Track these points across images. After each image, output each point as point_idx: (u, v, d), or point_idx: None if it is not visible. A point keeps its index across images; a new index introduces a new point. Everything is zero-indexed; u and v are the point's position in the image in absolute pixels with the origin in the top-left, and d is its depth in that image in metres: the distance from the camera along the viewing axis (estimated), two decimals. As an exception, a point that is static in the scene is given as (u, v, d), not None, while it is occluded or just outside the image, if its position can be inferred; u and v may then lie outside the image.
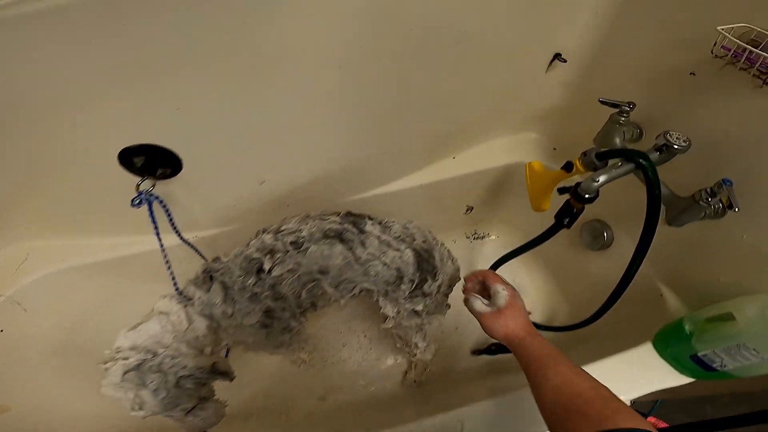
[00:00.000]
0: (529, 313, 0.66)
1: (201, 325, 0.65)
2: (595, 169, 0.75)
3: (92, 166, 0.75)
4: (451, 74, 0.83)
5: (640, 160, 0.67)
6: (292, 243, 0.68)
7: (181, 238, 0.79)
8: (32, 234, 0.95)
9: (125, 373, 0.55)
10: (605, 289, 1.06)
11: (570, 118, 1.05)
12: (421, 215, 1.20)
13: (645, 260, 0.93)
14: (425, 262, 0.76)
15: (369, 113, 0.84)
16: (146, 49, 0.57)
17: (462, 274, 1.03)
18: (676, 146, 0.69)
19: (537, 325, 1.14)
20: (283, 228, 0.71)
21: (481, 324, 0.64)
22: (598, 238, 1.03)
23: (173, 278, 0.73)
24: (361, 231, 0.72)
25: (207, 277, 0.68)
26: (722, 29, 0.62)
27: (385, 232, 0.73)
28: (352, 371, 1.13)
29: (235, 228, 0.98)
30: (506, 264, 1.03)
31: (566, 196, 0.74)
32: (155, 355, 0.58)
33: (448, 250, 0.85)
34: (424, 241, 0.78)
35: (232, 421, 1.04)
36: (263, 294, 0.68)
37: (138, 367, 0.56)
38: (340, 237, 0.70)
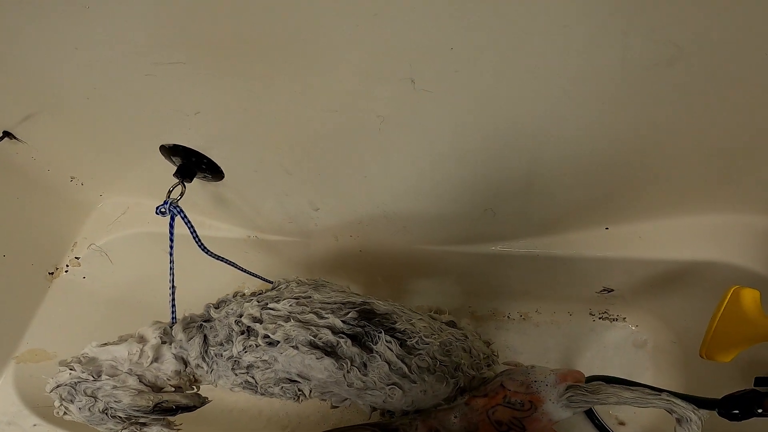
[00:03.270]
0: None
1: (170, 366, 0.56)
2: None
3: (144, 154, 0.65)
4: (647, 102, 0.46)
5: None
6: (265, 337, 0.50)
7: (208, 252, 0.66)
8: (137, 191, 0.95)
9: (57, 386, 0.54)
10: None
11: None
12: (535, 285, 0.88)
13: None
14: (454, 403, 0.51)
15: (474, 149, 0.54)
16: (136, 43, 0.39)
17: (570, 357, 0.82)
18: None
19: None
20: (270, 306, 0.53)
21: None
22: None
23: (173, 306, 0.62)
24: (367, 349, 0.49)
25: (198, 325, 0.57)
26: None
27: (408, 358, 0.50)
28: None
29: (300, 241, 0.82)
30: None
31: None
32: (96, 379, 0.54)
33: None
34: (471, 378, 0.54)
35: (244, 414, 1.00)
36: (239, 370, 0.54)
37: (75, 385, 0.54)
38: (330, 351, 0.49)
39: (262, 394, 0.58)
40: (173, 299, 0.61)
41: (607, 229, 0.70)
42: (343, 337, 0.49)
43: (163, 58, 0.41)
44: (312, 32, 0.38)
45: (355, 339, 0.50)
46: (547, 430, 0.47)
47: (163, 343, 0.56)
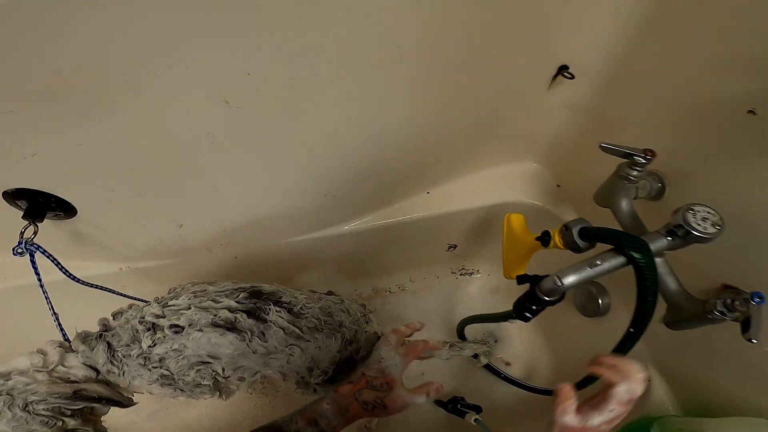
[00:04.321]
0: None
1: (79, 371, 0.58)
2: (576, 249, 0.56)
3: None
4: (416, 92, 0.64)
5: (634, 255, 0.48)
6: (172, 326, 0.57)
7: (78, 281, 0.69)
8: None
9: None
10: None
11: (579, 150, 0.82)
12: (390, 254, 1.05)
13: (641, 340, 0.74)
14: (346, 355, 0.63)
15: (304, 149, 0.68)
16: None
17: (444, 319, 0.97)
18: (698, 233, 0.48)
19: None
20: (170, 303, 0.60)
21: None
22: (592, 304, 0.83)
23: (59, 326, 0.64)
24: (261, 320, 0.59)
25: (98, 335, 0.60)
26: None
27: (296, 322, 0.60)
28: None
29: (176, 261, 0.87)
30: (492, 308, 0.89)
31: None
32: (7, 380, 0.53)
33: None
34: (354, 332, 0.66)
35: None
36: (152, 364, 0.59)
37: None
38: (231, 327, 0.58)
39: (182, 390, 0.63)
40: (59, 323, 0.63)
41: (428, 193, 0.90)
42: (239, 313, 0.58)
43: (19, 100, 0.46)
44: (127, 73, 0.48)
45: (250, 314, 0.59)
46: (405, 407, 0.57)
47: (67, 351, 0.57)
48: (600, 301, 0.82)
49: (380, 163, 0.76)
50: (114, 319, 0.62)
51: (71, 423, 0.57)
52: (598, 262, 0.49)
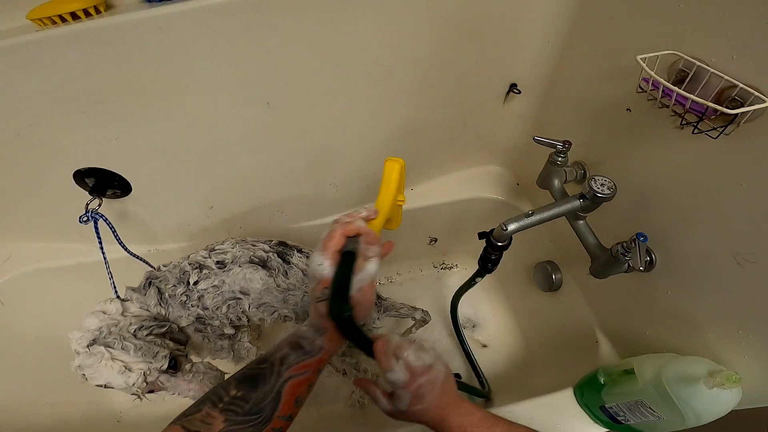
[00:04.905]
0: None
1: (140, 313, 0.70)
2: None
3: (53, 183, 0.83)
4: (403, 107, 0.85)
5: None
6: (218, 263, 0.73)
7: (126, 250, 0.85)
8: (16, 236, 1.06)
9: (88, 346, 0.62)
10: (552, 331, 1.05)
11: (530, 153, 1.03)
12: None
13: (585, 304, 0.91)
14: None
15: (316, 146, 0.87)
16: (97, 82, 0.64)
17: (429, 307, 1.05)
18: (599, 194, 0.67)
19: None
20: (216, 248, 0.76)
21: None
22: (547, 280, 1.01)
23: (114, 286, 0.79)
24: (287, 262, 0.76)
25: (147, 283, 0.74)
26: (642, 58, 0.53)
27: None
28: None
29: (193, 244, 1.03)
30: (469, 296, 1.04)
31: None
32: (101, 330, 0.64)
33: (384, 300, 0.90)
34: None
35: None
36: (191, 303, 0.74)
37: (95, 340, 0.63)
38: (263, 264, 0.74)
39: (208, 340, 0.77)
40: (113, 282, 0.79)
41: (411, 189, 1.09)
42: (271, 253, 0.75)
43: (95, 101, 0.65)
44: (190, 82, 0.67)
45: (279, 255, 0.76)
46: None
47: (123, 302, 0.70)
48: (553, 277, 1.00)
49: (374, 160, 0.95)
50: (164, 266, 0.76)
51: (171, 345, 0.69)
52: (530, 213, 0.68)
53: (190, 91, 0.69)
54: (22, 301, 1.07)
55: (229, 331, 0.80)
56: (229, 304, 0.74)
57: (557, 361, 1.02)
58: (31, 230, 1.04)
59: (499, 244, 0.70)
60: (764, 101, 0.47)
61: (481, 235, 0.75)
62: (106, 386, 0.64)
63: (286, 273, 0.75)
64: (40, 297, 1.10)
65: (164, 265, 0.76)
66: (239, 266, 0.74)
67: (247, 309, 0.75)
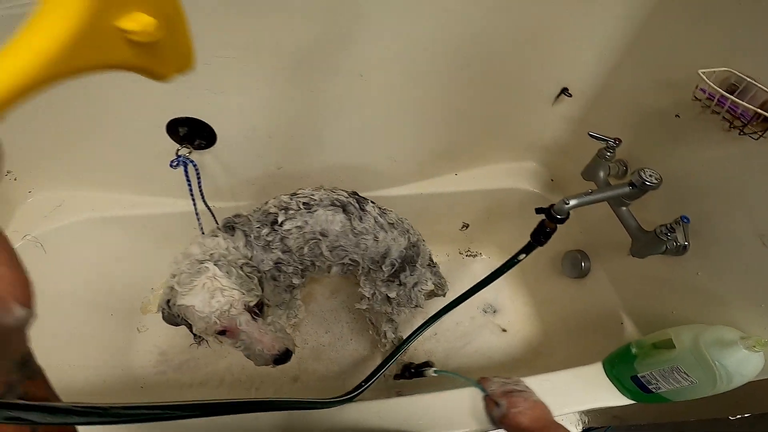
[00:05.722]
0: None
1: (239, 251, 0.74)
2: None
3: (139, 130, 0.88)
4: (459, 95, 0.94)
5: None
6: (304, 203, 0.80)
7: (205, 202, 0.91)
8: (70, 184, 1.07)
9: (201, 261, 0.66)
10: (574, 316, 1.15)
11: (570, 152, 1.14)
12: (418, 223, 1.30)
13: (612, 290, 1.01)
14: (409, 254, 0.87)
15: (380, 120, 0.96)
16: (205, 41, 0.70)
17: (448, 290, 1.12)
18: (647, 182, 0.78)
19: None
20: (298, 192, 0.83)
21: None
22: (576, 267, 1.11)
23: (202, 230, 0.85)
24: (362, 209, 0.84)
25: (229, 227, 0.78)
26: (702, 72, 0.67)
27: (382, 216, 0.85)
28: (329, 358, 1.21)
29: (249, 204, 1.09)
30: (493, 283, 1.12)
31: (541, 217, 0.83)
32: (212, 255, 0.69)
33: (435, 265, 0.98)
34: (416, 239, 0.90)
35: (203, 387, 1.14)
36: (274, 244, 0.79)
37: (211, 257, 0.68)
38: (343, 208, 0.82)
39: (282, 282, 0.82)
40: (201, 225, 0.85)
41: (456, 174, 1.19)
42: (350, 198, 0.83)
43: (219, 53, 0.72)
44: (302, 48, 0.75)
45: (356, 201, 0.84)
46: None
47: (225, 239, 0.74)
48: (582, 264, 1.10)
49: (431, 140, 1.04)
50: (239, 216, 0.81)
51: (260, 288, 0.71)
52: (590, 192, 0.77)
53: (297, 54, 0.77)
54: (66, 251, 1.06)
55: (297, 280, 0.86)
56: (309, 245, 0.80)
57: (578, 343, 1.11)
58: (89, 177, 1.05)
59: (559, 216, 0.79)
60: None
61: (539, 210, 0.84)
62: (183, 318, 0.66)
63: (361, 218, 0.83)
64: (85, 249, 1.10)
65: (240, 213, 0.81)
66: (323, 208, 0.80)
67: (324, 251, 0.82)
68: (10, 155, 0.94)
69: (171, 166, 0.83)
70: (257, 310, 0.69)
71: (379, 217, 0.84)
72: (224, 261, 0.67)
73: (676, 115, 0.81)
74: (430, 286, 0.99)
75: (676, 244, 0.78)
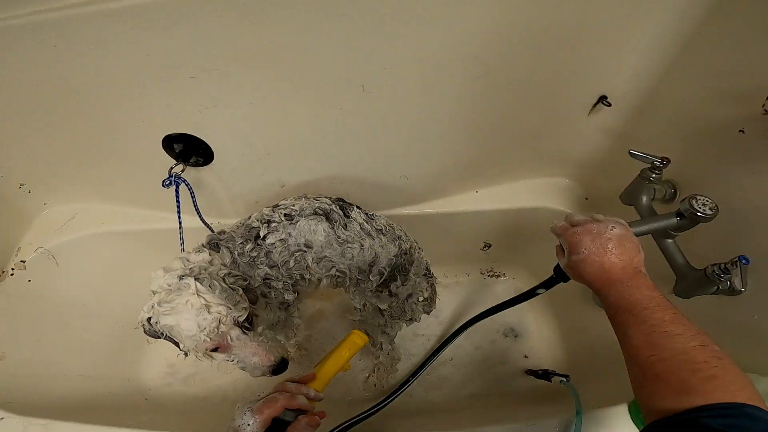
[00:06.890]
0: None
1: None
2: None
3: (138, 147, 0.85)
4: (478, 105, 0.83)
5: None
6: (285, 215, 0.75)
7: (202, 219, 0.86)
8: (83, 197, 1.08)
9: (180, 277, 0.62)
10: (603, 349, 1.02)
11: (608, 169, 1.01)
12: (436, 243, 1.21)
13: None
14: (400, 262, 0.81)
15: (397, 136, 0.87)
16: (192, 54, 0.65)
17: (434, 309, 1.02)
18: (700, 214, 0.65)
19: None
20: (280, 203, 0.78)
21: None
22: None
23: (183, 249, 0.81)
24: (347, 215, 0.78)
25: (214, 245, 0.74)
26: None
27: (369, 222, 0.79)
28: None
29: None
30: (516, 306, 1.02)
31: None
32: (192, 269, 0.64)
33: (432, 276, 0.90)
34: (409, 246, 0.84)
35: (208, 402, 1.12)
36: (259, 260, 0.75)
37: (189, 272, 0.63)
38: (326, 216, 0.76)
39: (274, 299, 0.77)
40: (183, 246, 0.80)
41: (476, 192, 1.08)
42: (333, 205, 0.77)
43: (207, 66, 0.66)
44: (300, 57, 0.68)
45: (340, 208, 0.78)
46: None
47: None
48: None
49: (446, 156, 0.95)
50: (223, 233, 0.77)
51: (249, 296, 0.68)
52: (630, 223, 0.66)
53: (295, 64, 0.70)
54: (78, 263, 1.08)
55: (289, 296, 0.80)
56: (295, 257, 0.76)
57: (604, 379, 0.98)
58: (100, 192, 1.05)
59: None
60: None
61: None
62: (168, 336, 0.62)
63: (346, 226, 0.77)
64: (96, 261, 1.11)
65: (224, 230, 0.77)
66: (305, 218, 0.75)
67: (309, 263, 0.76)
68: (26, 169, 0.95)
69: (163, 185, 0.79)
70: (247, 324, 0.66)
71: (365, 224, 0.78)
72: (205, 274, 0.63)
73: (740, 131, 0.67)
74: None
75: (730, 285, 0.65)
